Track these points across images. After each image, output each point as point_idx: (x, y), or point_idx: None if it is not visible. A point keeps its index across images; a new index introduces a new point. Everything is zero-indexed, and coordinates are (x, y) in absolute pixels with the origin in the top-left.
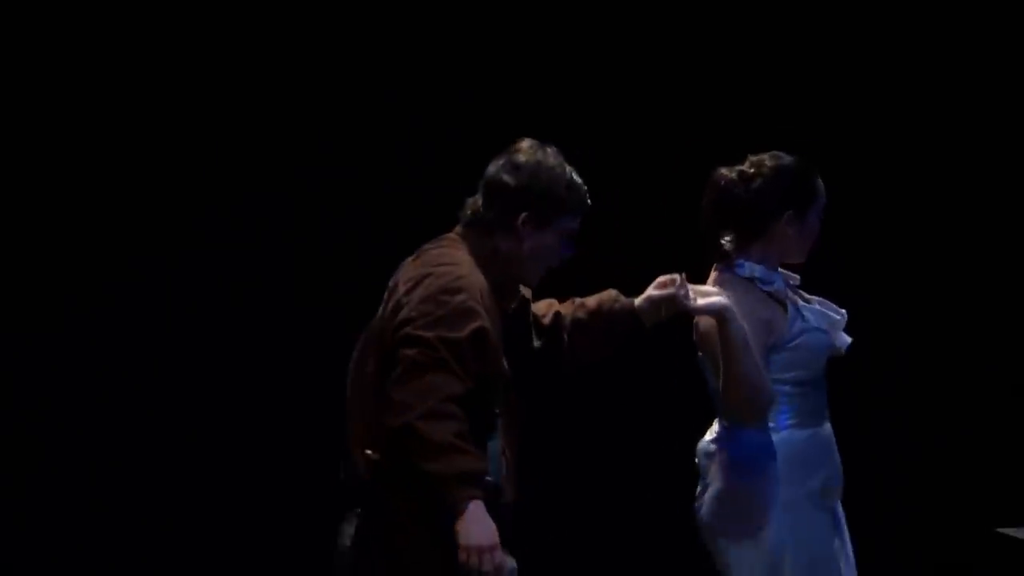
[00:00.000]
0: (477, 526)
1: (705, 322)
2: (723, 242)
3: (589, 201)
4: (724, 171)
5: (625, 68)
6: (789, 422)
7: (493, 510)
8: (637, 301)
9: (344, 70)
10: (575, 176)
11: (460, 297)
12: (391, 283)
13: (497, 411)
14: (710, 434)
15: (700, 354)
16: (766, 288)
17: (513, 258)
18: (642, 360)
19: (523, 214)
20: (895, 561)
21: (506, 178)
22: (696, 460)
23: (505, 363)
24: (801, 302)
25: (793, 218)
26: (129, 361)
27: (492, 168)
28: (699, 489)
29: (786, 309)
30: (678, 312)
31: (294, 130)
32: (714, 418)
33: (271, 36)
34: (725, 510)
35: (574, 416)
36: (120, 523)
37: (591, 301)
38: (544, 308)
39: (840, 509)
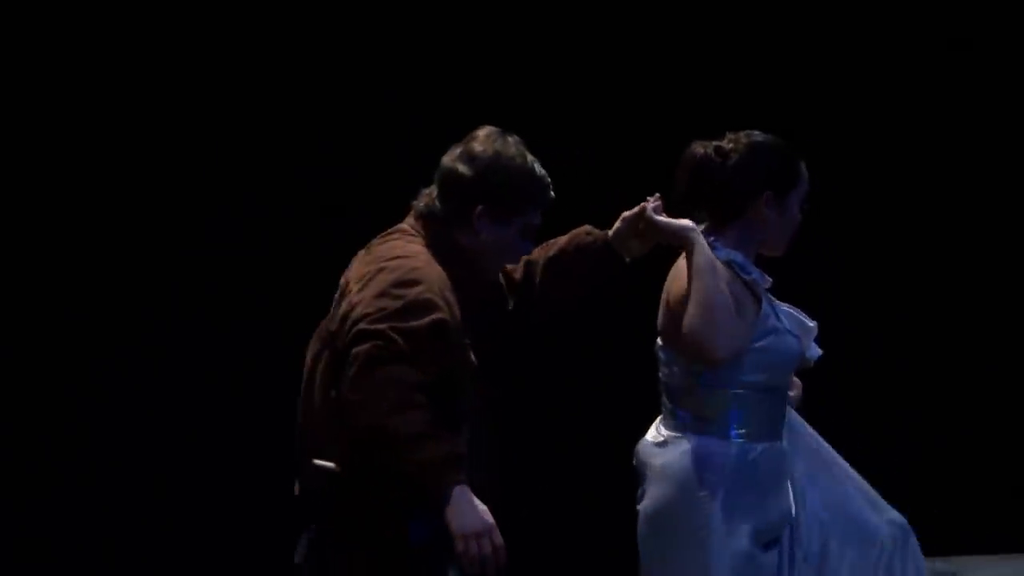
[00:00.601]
0: (468, 511)
1: (678, 282)
2: (699, 222)
3: (552, 194)
4: (700, 145)
5: (625, 68)
6: (741, 431)
7: None
8: (611, 232)
9: (343, 70)
10: (537, 167)
11: (417, 289)
12: (342, 281)
13: (465, 407)
14: (651, 434)
15: (660, 341)
16: (743, 276)
17: (472, 252)
18: (623, 356)
19: (480, 207)
20: None
21: (461, 169)
22: (634, 462)
23: (473, 357)
24: (776, 302)
25: (772, 200)
26: (127, 360)
27: (447, 158)
28: (639, 492)
29: (760, 304)
30: (650, 231)
31: (292, 130)
32: (658, 415)
33: (255, 39)
34: (660, 529)
35: (555, 411)
36: (120, 523)
37: (562, 239)
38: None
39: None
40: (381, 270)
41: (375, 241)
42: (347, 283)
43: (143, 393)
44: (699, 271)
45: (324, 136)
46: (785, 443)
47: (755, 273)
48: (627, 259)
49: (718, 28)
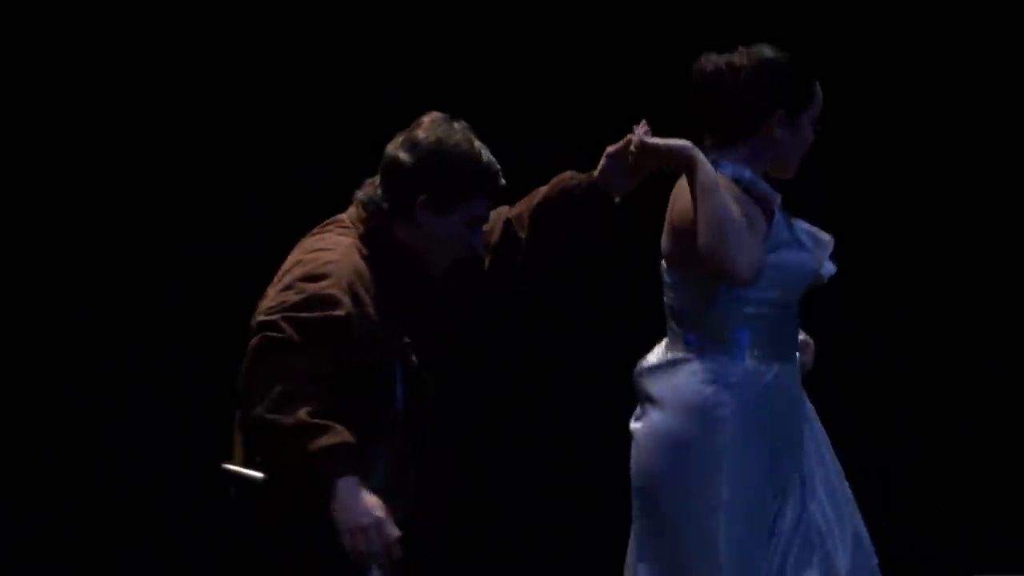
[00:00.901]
0: (353, 504)
1: (681, 202)
2: (705, 143)
3: (502, 182)
4: (712, 58)
5: (625, 67)
6: (755, 352)
7: None
8: (596, 171)
9: (344, 70)
10: (485, 154)
11: (322, 283)
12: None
13: (384, 412)
14: (655, 357)
15: (664, 264)
16: (752, 190)
17: (413, 246)
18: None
19: (421, 196)
20: None
21: (403, 156)
22: (634, 382)
23: (414, 359)
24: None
25: (785, 119)
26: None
27: (391, 146)
28: (638, 411)
29: (771, 217)
30: (644, 157)
31: (292, 131)
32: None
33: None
34: (667, 452)
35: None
36: (120, 523)
37: (543, 188)
38: (492, 222)
39: (813, 467)
40: (297, 263)
41: (313, 231)
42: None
43: (142, 393)
44: (705, 190)
45: (324, 137)
46: (796, 367)
47: (764, 187)
48: (616, 198)
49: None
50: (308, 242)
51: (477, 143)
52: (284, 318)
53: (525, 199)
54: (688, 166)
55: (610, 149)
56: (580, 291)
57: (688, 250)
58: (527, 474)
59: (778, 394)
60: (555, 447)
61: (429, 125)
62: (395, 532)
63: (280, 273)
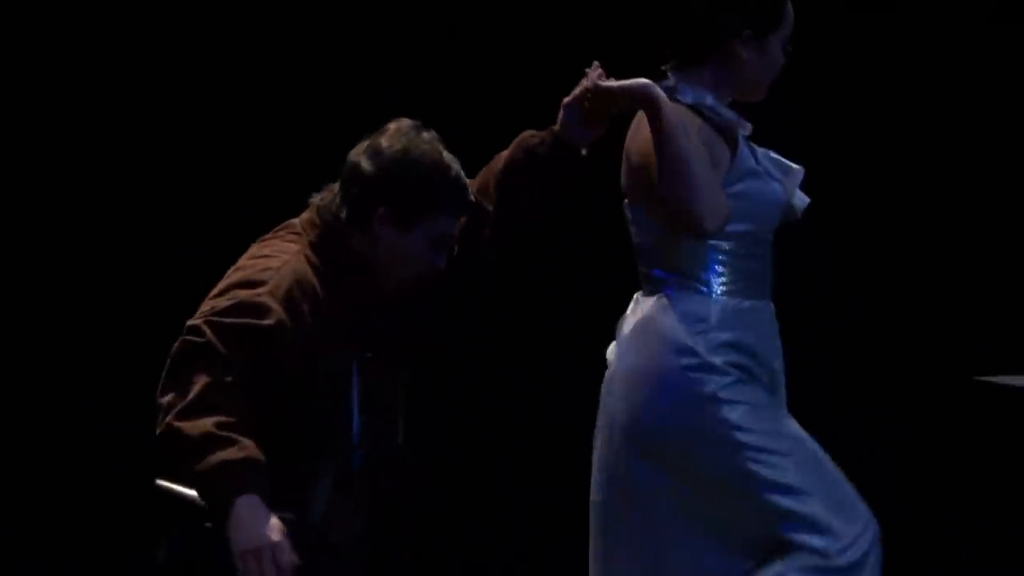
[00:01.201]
0: (248, 525)
1: (641, 138)
2: (665, 69)
3: (471, 199)
4: None
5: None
6: (724, 288)
7: (304, 551)
8: (557, 125)
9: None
10: (454, 167)
11: (256, 290)
12: None
13: (331, 426)
14: (629, 309)
15: (626, 200)
16: (714, 118)
17: (368, 259)
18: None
19: (381, 208)
20: (873, 413)
21: (364, 164)
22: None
23: (373, 369)
24: (755, 147)
25: (752, 40)
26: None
27: (353, 152)
28: (609, 364)
29: (735, 147)
30: (602, 101)
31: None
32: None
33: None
34: (636, 384)
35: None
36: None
37: (504, 152)
38: None
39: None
40: (237, 269)
41: (260, 238)
42: None
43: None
44: (668, 134)
45: (323, 137)
46: (772, 307)
47: (728, 115)
48: (582, 150)
49: None
50: (254, 248)
51: (447, 155)
52: (208, 323)
53: (485, 168)
54: (648, 106)
55: (567, 100)
56: (552, 263)
57: (647, 189)
58: (506, 475)
59: (755, 325)
60: (536, 445)
61: (395, 133)
62: (292, 558)
63: (224, 277)
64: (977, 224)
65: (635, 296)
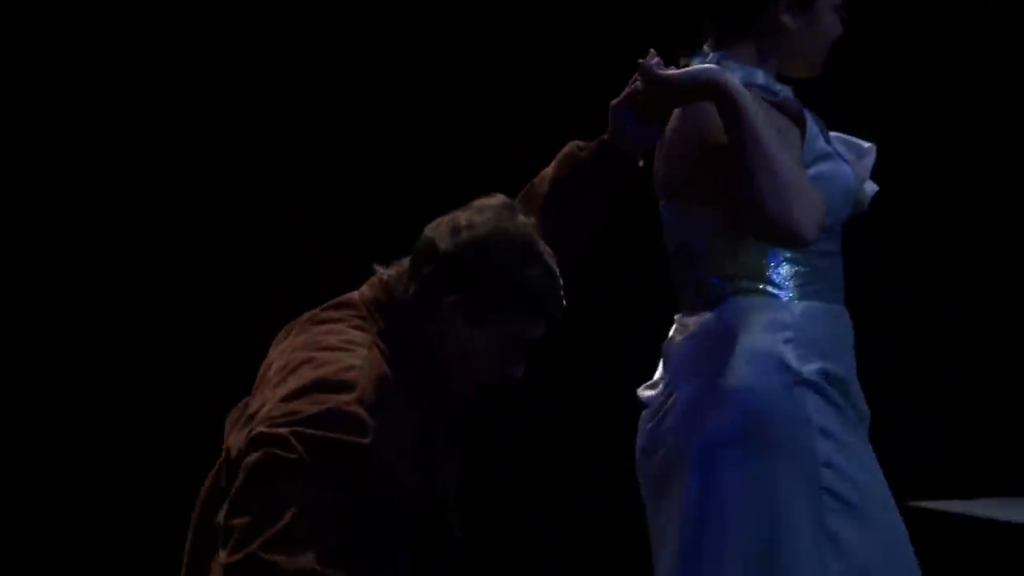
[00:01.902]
0: None
1: (692, 129)
2: (705, 48)
3: (563, 303)
4: None
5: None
6: (795, 290)
7: None
8: (607, 134)
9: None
10: (548, 261)
11: (344, 397)
12: (265, 362)
13: (398, 549)
14: (676, 328)
15: (664, 200)
16: (770, 98)
17: (436, 353)
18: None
19: (452, 296)
20: None
21: (440, 240)
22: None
23: (438, 482)
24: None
25: (796, 6)
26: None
27: (431, 226)
28: (658, 394)
29: (804, 127)
30: (661, 97)
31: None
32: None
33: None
34: (702, 408)
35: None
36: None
37: (547, 171)
38: None
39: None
40: (307, 362)
41: (312, 314)
42: (268, 368)
43: (140, 393)
44: (751, 130)
45: (324, 137)
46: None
47: (782, 89)
48: (639, 161)
49: None
50: (315, 332)
51: (542, 245)
52: (295, 433)
53: (525, 191)
54: (720, 96)
55: (615, 101)
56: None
57: (704, 185)
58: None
59: (833, 334)
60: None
61: (484, 210)
62: None
63: (279, 368)
64: (903, 337)
65: (676, 318)
